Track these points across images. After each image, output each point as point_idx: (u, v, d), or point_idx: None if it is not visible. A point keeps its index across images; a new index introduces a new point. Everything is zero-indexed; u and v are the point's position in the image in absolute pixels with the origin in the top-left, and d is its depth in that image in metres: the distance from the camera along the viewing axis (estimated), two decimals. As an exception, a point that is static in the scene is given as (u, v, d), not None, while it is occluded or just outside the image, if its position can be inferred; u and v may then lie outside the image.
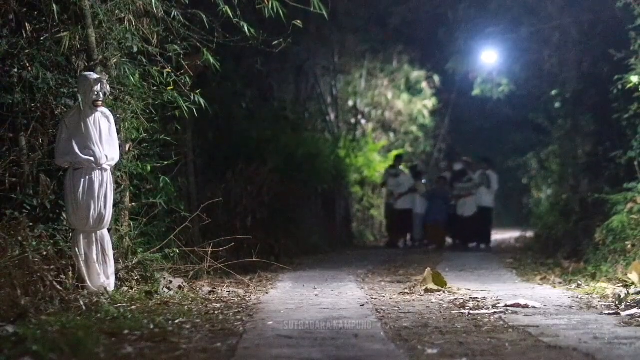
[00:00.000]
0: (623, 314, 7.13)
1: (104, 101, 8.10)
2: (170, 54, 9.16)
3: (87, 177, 7.90)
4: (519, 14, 17.38)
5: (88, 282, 7.79)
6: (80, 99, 8.02)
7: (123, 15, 8.73)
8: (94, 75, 7.95)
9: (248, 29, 9.40)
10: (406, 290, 9.32)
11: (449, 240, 19.83)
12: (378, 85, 24.71)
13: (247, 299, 8.48)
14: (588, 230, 13.29)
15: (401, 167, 20.43)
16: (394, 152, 22.28)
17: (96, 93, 7.88)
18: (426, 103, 25.66)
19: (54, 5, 8.16)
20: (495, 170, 19.48)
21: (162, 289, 8.42)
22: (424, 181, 20.02)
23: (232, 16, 9.28)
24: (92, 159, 7.87)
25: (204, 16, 9.31)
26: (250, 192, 14.32)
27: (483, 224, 18.78)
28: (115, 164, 8.39)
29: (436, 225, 18.91)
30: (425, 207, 19.14)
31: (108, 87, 8.06)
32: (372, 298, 8.67)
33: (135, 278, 8.53)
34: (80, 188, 7.86)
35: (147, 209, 9.42)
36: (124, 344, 5.52)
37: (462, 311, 7.48)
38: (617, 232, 10.97)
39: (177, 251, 9.25)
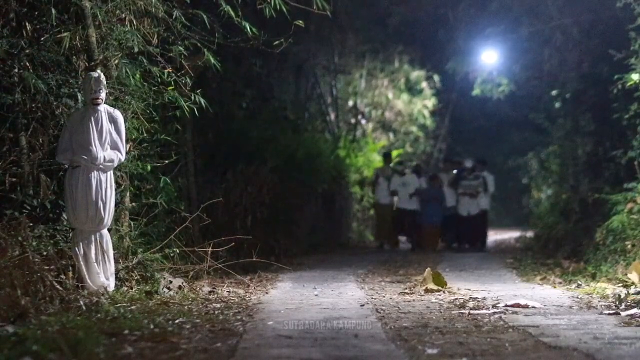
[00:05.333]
0: (623, 314, 7.13)
1: (105, 101, 8.11)
2: (172, 54, 9.17)
3: (85, 176, 7.90)
4: (519, 14, 17.38)
5: (88, 282, 7.79)
6: (81, 98, 8.05)
7: (124, 16, 8.74)
8: (94, 74, 7.95)
9: (250, 28, 9.41)
10: (406, 290, 9.32)
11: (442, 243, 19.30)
12: (378, 85, 24.72)
13: (247, 299, 8.47)
14: (588, 230, 13.29)
15: (384, 166, 19.60)
16: (395, 152, 22.21)
17: (94, 91, 7.88)
18: (426, 103, 25.66)
19: (54, 6, 8.16)
20: (491, 172, 19.26)
21: (162, 289, 8.42)
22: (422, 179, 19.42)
23: (234, 16, 9.29)
24: (86, 157, 7.87)
25: (205, 16, 9.32)
26: (250, 192, 14.32)
27: (481, 226, 18.44)
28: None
29: (433, 227, 18.21)
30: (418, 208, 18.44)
31: (105, 85, 8.05)
32: (372, 298, 8.67)
33: (135, 278, 8.53)
34: (78, 187, 7.87)
35: (147, 209, 9.43)
36: (124, 344, 5.52)
37: (462, 311, 7.48)
38: (617, 232, 10.97)
39: (177, 251, 9.25)
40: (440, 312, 7.50)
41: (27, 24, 8.26)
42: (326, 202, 19.46)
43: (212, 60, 9.51)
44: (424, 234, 18.29)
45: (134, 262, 8.61)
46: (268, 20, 9.56)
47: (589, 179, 15.76)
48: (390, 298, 8.71)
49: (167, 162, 9.68)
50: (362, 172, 22.27)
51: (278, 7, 9.36)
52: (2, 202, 7.89)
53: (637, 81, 11.18)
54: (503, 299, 8.35)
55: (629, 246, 10.49)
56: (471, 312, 7.41)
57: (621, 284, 9.32)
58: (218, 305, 7.79)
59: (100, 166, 7.96)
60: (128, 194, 8.97)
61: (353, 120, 23.91)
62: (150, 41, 9.01)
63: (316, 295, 8.91)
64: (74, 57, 8.51)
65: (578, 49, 15.95)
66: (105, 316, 6.65)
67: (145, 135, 9.07)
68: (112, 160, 8.06)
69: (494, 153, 29.28)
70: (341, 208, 20.91)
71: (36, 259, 7.15)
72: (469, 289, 9.43)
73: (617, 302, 7.79)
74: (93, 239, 7.95)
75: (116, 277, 8.16)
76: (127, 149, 8.77)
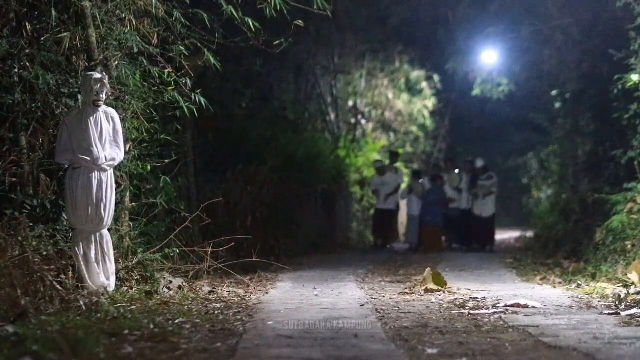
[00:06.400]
0: (623, 314, 7.13)
1: (105, 101, 8.10)
2: (172, 54, 9.17)
3: (86, 177, 7.89)
4: (519, 14, 17.37)
5: (88, 282, 7.79)
6: (81, 98, 8.05)
7: (124, 16, 8.74)
8: (96, 75, 7.95)
9: (253, 24, 9.41)
10: (406, 290, 9.32)
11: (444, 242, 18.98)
12: (378, 85, 24.73)
13: (247, 299, 8.48)
14: (588, 230, 13.31)
15: (388, 164, 19.37)
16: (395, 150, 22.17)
17: (95, 92, 7.88)
18: (426, 103, 25.66)
19: (54, 6, 8.16)
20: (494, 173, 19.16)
21: (162, 289, 8.42)
22: (420, 181, 18.77)
23: (236, 16, 9.30)
24: (88, 158, 7.87)
25: (205, 16, 9.32)
26: (250, 192, 14.32)
27: (493, 227, 18.37)
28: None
29: (435, 227, 17.99)
30: (419, 208, 18.16)
31: (108, 86, 8.05)
32: (372, 298, 8.68)
33: (135, 278, 8.53)
34: (79, 187, 7.86)
35: (147, 209, 9.43)
36: (124, 344, 5.53)
37: (462, 311, 7.48)
38: (617, 232, 10.97)
39: (177, 251, 9.25)
40: (440, 312, 7.50)
41: (27, 24, 8.26)
42: (326, 202, 19.46)
43: (212, 60, 9.51)
44: (426, 235, 18.18)
45: (134, 262, 8.61)
46: (268, 20, 9.56)
47: (589, 179, 15.77)
48: (390, 298, 8.71)
49: (167, 162, 9.68)
50: (362, 172, 22.27)
51: (278, 7, 9.37)
52: (2, 202, 7.88)
53: (637, 81, 11.19)
54: (503, 299, 8.36)
55: (629, 246, 10.50)
56: (471, 312, 7.41)
57: (621, 284, 9.32)
58: (218, 305, 7.80)
59: (102, 166, 7.95)
60: (128, 194, 8.96)
61: (353, 120, 23.92)
62: (150, 41, 9.01)
63: (316, 295, 8.91)
64: (74, 57, 8.50)
65: (578, 49, 15.94)
66: (105, 316, 6.65)
67: (145, 135, 9.07)
68: (113, 160, 8.06)
69: (494, 153, 29.29)
70: (341, 208, 20.90)
71: (36, 259, 7.16)
72: (469, 289, 9.44)
73: (617, 302, 7.79)
74: (93, 239, 7.94)
75: (116, 277, 8.15)
76: (127, 149, 8.77)
